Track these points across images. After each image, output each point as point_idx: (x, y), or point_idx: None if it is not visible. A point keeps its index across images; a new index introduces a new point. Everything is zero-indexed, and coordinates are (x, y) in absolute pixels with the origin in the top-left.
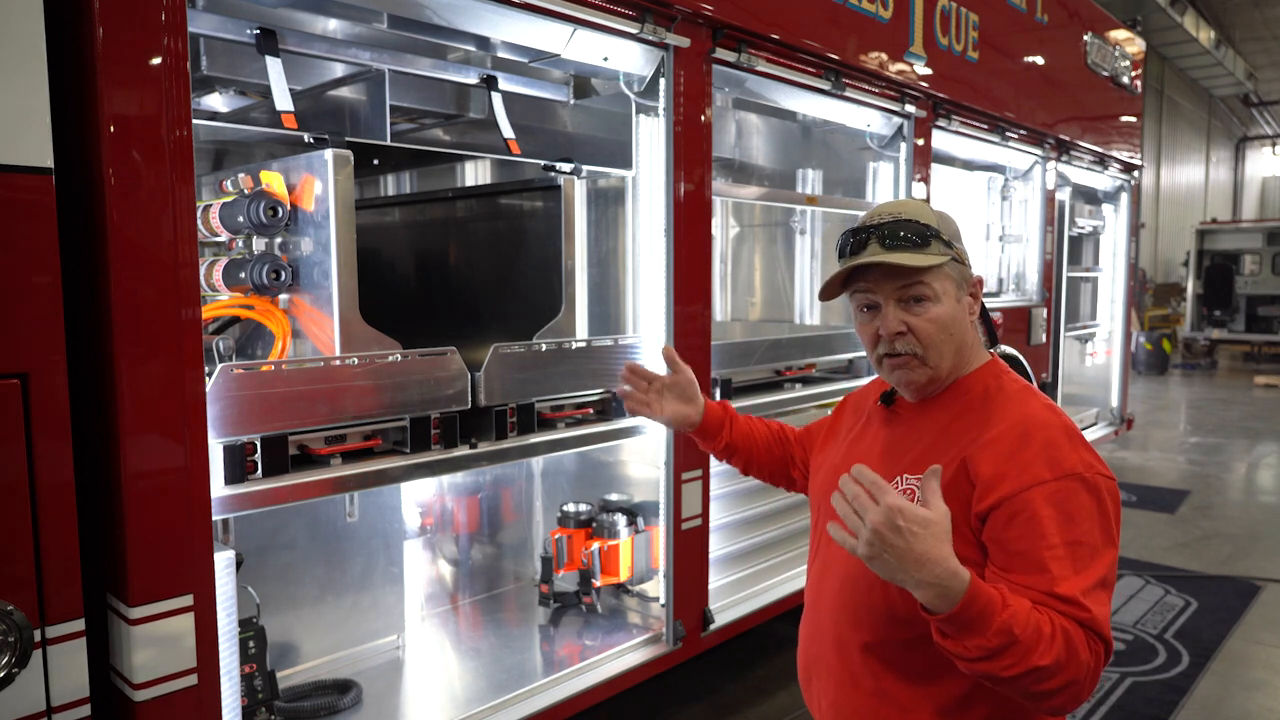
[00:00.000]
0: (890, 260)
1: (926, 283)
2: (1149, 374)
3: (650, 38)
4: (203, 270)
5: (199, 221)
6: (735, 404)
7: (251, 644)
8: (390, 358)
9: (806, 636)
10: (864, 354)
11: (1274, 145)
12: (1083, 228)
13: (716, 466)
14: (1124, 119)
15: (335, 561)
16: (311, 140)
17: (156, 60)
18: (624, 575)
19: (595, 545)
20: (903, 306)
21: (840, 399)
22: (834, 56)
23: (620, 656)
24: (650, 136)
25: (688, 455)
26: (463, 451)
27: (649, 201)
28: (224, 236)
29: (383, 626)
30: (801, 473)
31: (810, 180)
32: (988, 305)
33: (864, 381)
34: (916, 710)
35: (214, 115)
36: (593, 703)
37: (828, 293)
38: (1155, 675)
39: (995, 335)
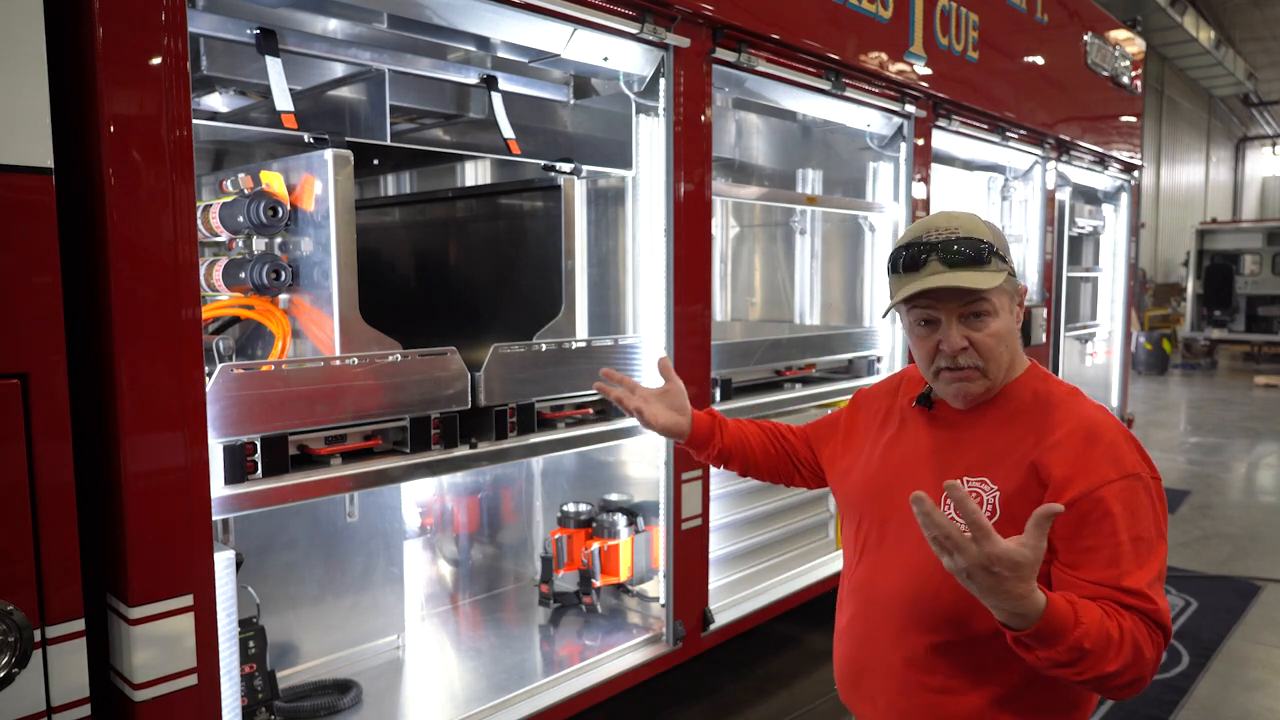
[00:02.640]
0: (955, 284)
1: (989, 299)
2: (1149, 374)
3: (650, 38)
4: (203, 270)
5: (199, 221)
6: (735, 404)
7: (251, 644)
8: (390, 358)
9: (856, 639)
10: (864, 354)
11: (1274, 145)
12: (1083, 228)
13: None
14: (1124, 119)
15: (335, 561)
16: (311, 140)
17: (156, 60)
18: (624, 575)
19: (595, 545)
20: (964, 322)
21: (844, 397)
22: (834, 56)
23: (620, 656)
24: (650, 136)
25: (687, 456)
26: (463, 451)
27: (649, 201)
28: (224, 236)
29: (383, 626)
30: (811, 470)
31: (810, 180)
32: None
33: (865, 381)
34: (978, 698)
35: (214, 115)
36: (593, 703)
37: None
38: (1155, 675)
39: (1030, 334)
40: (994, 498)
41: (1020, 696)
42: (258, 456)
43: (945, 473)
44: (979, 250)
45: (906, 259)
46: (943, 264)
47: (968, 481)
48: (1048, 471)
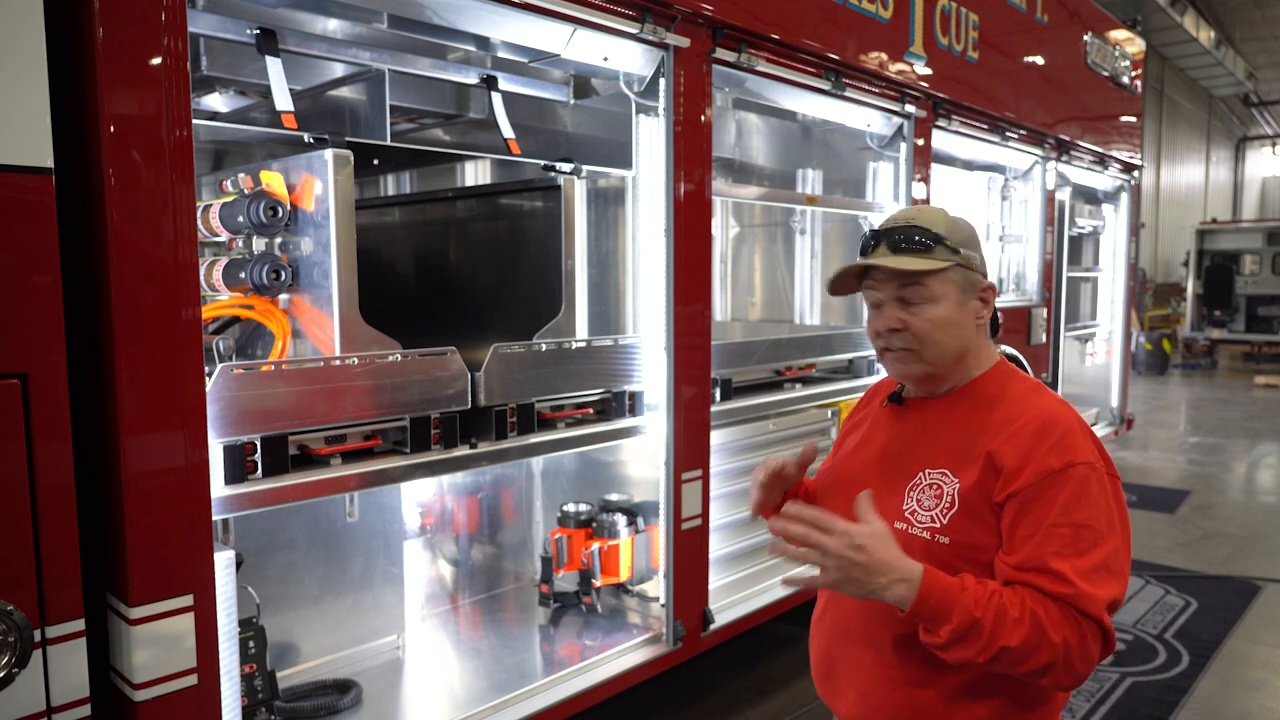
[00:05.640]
0: (890, 264)
1: (927, 285)
2: (1149, 374)
3: (650, 38)
4: (203, 270)
5: (199, 221)
6: (735, 404)
7: (251, 644)
8: (390, 358)
9: (827, 633)
10: (863, 354)
11: (1274, 145)
12: (1083, 228)
13: (716, 466)
14: (1124, 119)
15: (335, 561)
16: (311, 140)
17: (156, 60)
18: (624, 575)
19: (595, 545)
20: (902, 305)
21: (844, 398)
22: (834, 56)
23: (620, 656)
24: (650, 136)
25: (688, 455)
26: (463, 451)
27: (649, 201)
28: (224, 236)
29: (383, 626)
30: None
31: (810, 180)
32: None
33: (865, 381)
34: (943, 690)
35: (214, 115)
36: (593, 703)
37: (838, 287)
38: (1155, 675)
39: (998, 329)
40: (954, 490)
41: (986, 689)
42: (258, 456)
43: (910, 467)
44: (927, 237)
45: (863, 243)
46: (889, 249)
47: (929, 474)
48: (1001, 461)
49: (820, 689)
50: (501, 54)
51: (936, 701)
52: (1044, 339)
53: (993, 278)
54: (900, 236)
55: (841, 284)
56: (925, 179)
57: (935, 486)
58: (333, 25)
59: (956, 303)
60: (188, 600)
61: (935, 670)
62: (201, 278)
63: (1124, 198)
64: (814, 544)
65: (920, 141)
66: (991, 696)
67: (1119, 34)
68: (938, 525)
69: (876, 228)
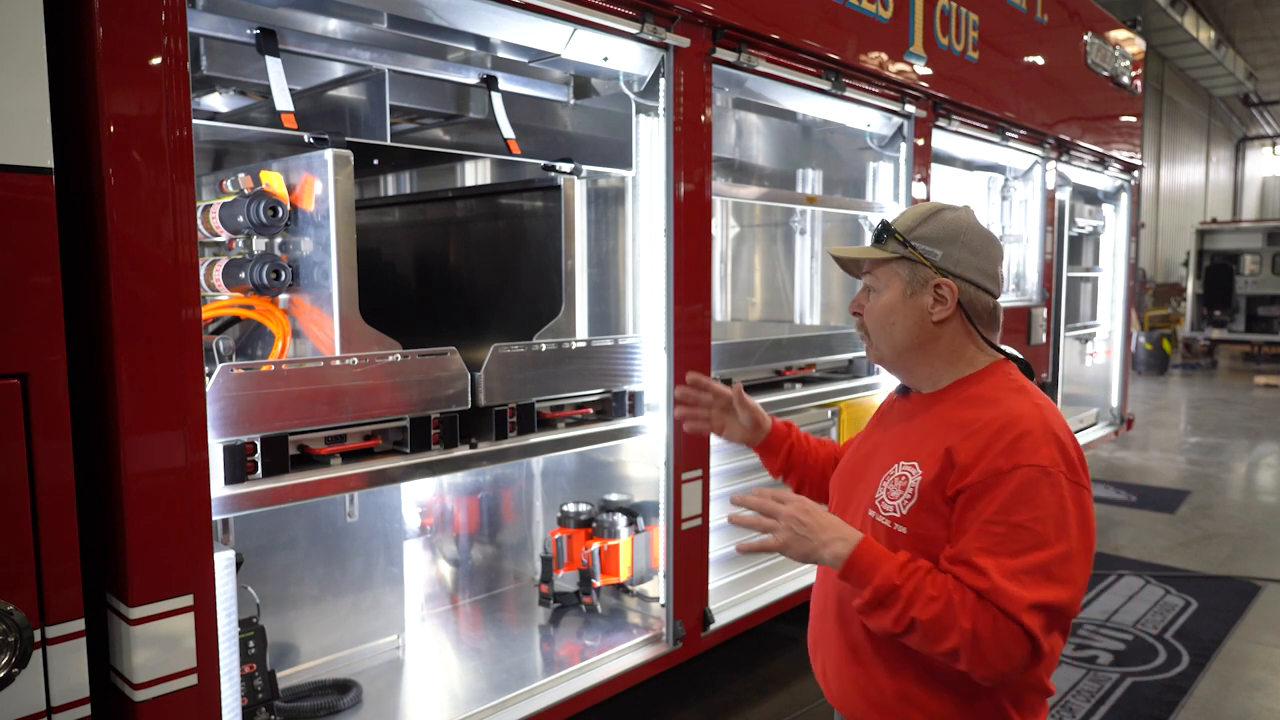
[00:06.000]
0: (838, 253)
1: (873, 274)
2: (1149, 374)
3: (650, 38)
4: (203, 270)
5: (199, 221)
6: None
7: (251, 644)
8: (390, 358)
9: (815, 610)
10: (863, 354)
11: (1274, 145)
12: (1083, 228)
13: (716, 466)
14: (1124, 119)
15: (335, 561)
16: (311, 140)
17: (156, 60)
18: (624, 575)
19: (595, 545)
20: (865, 292)
21: (843, 398)
22: (834, 56)
23: (620, 656)
24: (650, 136)
25: (688, 455)
26: (463, 451)
27: (649, 201)
28: (224, 236)
29: (383, 626)
30: None
31: (810, 180)
32: None
33: (865, 381)
34: (904, 678)
35: (214, 115)
36: (593, 703)
37: (849, 267)
38: (1155, 675)
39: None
40: (916, 483)
41: (947, 680)
42: (258, 456)
43: (890, 458)
44: (884, 230)
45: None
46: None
47: (901, 466)
48: (956, 458)
49: (812, 661)
50: (501, 54)
51: (897, 690)
52: (1044, 339)
53: None
54: (875, 229)
55: (851, 266)
56: (925, 179)
57: (903, 478)
58: (333, 25)
59: (900, 295)
60: (188, 600)
61: (898, 658)
62: (201, 278)
63: (1124, 198)
64: (769, 510)
65: (920, 141)
66: (952, 688)
67: (1119, 34)
68: (898, 515)
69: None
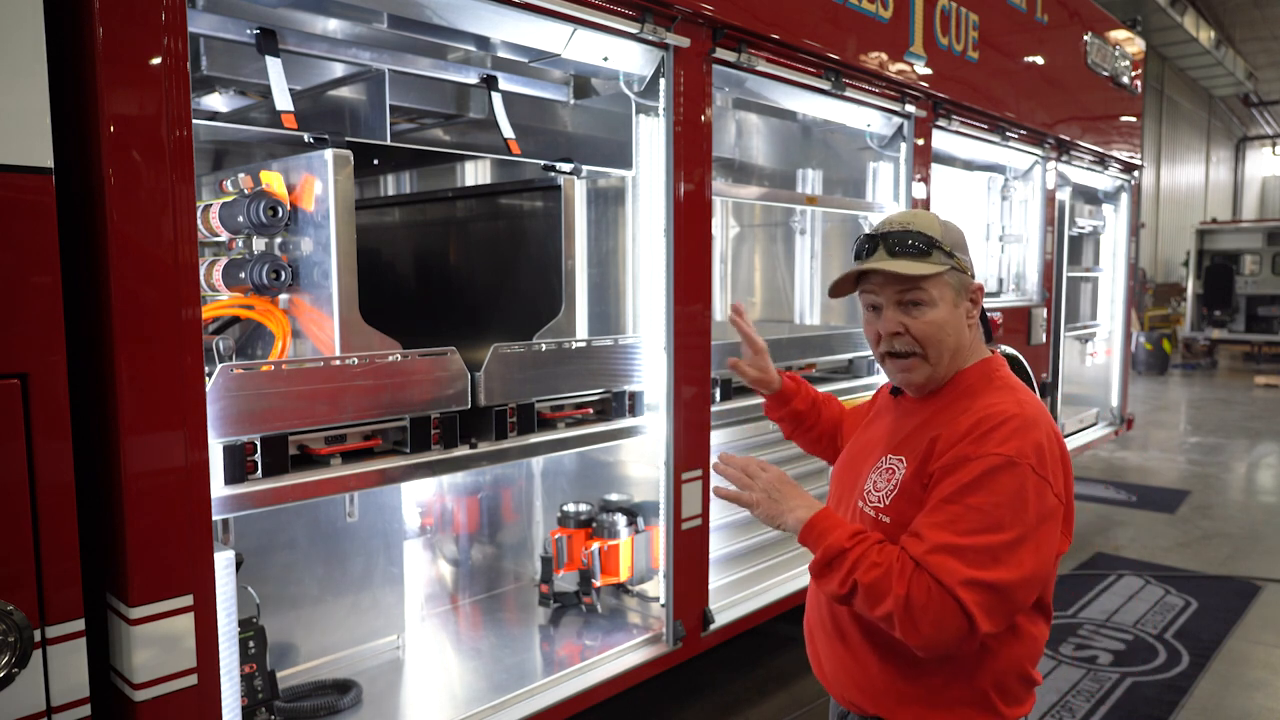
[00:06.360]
0: (890, 268)
1: (924, 288)
2: (1149, 374)
3: (650, 38)
4: (203, 270)
5: (199, 221)
6: (735, 404)
7: (251, 644)
8: (390, 358)
9: (809, 605)
10: (864, 354)
11: (1274, 145)
12: (1083, 228)
13: None
14: (1124, 119)
15: (335, 561)
16: (311, 140)
17: (156, 60)
18: (624, 575)
19: (595, 545)
20: (901, 309)
21: (843, 398)
22: (834, 56)
23: (620, 656)
24: (650, 136)
25: (688, 455)
26: (463, 451)
27: (649, 201)
28: (224, 236)
29: (383, 626)
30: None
31: (810, 180)
32: (987, 305)
33: (865, 381)
34: (890, 670)
35: (214, 115)
36: (593, 703)
37: (837, 290)
38: (1155, 675)
39: (991, 334)
40: (900, 475)
41: (930, 666)
42: (258, 456)
43: (881, 453)
44: (923, 242)
45: (858, 248)
46: (886, 253)
47: (889, 459)
48: (935, 446)
49: (808, 649)
50: (501, 54)
51: (882, 681)
52: (1044, 339)
53: (993, 278)
54: (896, 241)
55: (840, 287)
56: (925, 179)
57: (889, 470)
58: (333, 25)
59: (952, 305)
60: (188, 600)
61: (883, 650)
62: (201, 278)
63: (1124, 198)
64: (751, 473)
65: (920, 141)
66: (927, 677)
67: (1119, 34)
68: (882, 505)
69: (872, 232)
